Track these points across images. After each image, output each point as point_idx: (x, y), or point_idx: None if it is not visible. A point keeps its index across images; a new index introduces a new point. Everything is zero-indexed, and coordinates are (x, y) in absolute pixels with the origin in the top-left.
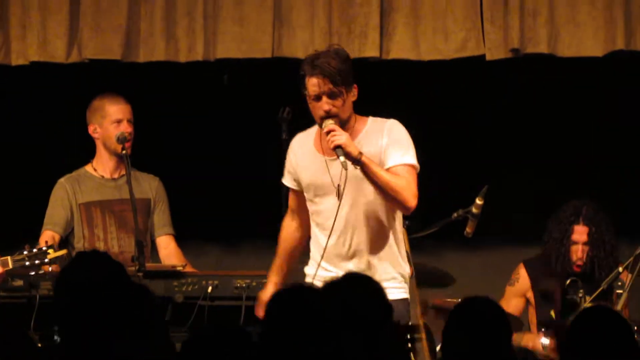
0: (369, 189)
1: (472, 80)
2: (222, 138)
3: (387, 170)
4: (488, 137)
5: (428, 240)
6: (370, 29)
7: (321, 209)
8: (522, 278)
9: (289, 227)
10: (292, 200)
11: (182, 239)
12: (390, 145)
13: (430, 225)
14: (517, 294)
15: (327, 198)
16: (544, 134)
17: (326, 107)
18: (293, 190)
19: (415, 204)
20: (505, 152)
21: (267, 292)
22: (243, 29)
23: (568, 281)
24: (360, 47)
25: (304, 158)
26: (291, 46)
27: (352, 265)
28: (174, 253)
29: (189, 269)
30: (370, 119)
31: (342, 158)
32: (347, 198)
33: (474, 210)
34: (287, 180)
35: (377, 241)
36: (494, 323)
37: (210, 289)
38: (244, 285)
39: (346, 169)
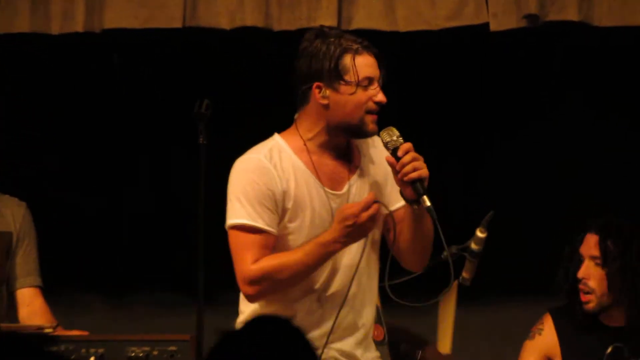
0: (376, 238)
1: (471, 61)
2: (112, 144)
3: (398, 210)
4: (492, 143)
5: (407, 289)
6: None
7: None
8: (548, 330)
9: None
10: (265, 249)
11: (54, 290)
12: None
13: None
14: (538, 351)
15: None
16: (575, 136)
17: (382, 97)
18: (269, 235)
19: None
20: (518, 163)
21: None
22: None
23: (610, 349)
24: (310, 13)
25: (298, 188)
26: (210, 12)
27: (349, 344)
28: (39, 312)
29: (61, 331)
30: None
31: (427, 201)
32: (359, 249)
33: (473, 246)
34: (262, 221)
35: (372, 310)
36: None
37: (93, 359)
38: (140, 354)
39: (434, 218)
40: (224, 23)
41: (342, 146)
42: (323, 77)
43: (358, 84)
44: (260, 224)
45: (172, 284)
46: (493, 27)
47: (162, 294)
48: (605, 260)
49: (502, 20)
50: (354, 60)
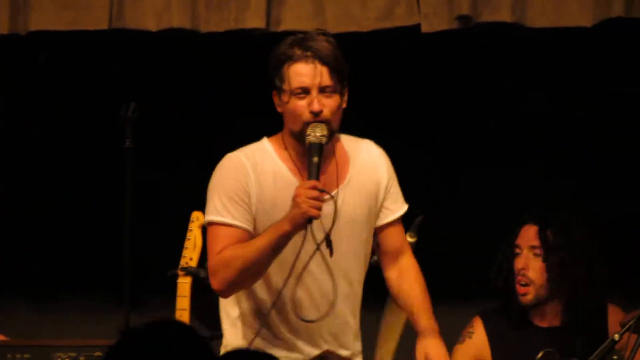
0: (360, 235)
1: (402, 61)
2: (37, 147)
3: (385, 226)
4: (423, 142)
5: None
6: None
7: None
8: (478, 333)
9: None
10: (234, 243)
11: None
12: (393, 187)
13: None
14: (469, 354)
15: (299, 246)
16: (538, 135)
17: (316, 105)
18: (238, 229)
19: None
20: (452, 164)
21: None
22: None
23: (541, 354)
24: (238, 15)
25: (277, 190)
26: (137, 13)
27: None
28: None
29: None
30: (342, 137)
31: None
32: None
33: None
34: (229, 216)
35: (354, 317)
36: None
37: None
38: None
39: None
40: (151, 24)
41: (326, 153)
42: (273, 85)
43: (291, 93)
44: (228, 218)
45: (98, 289)
46: (425, 28)
47: (88, 298)
48: (545, 250)
49: (434, 21)
50: (288, 68)
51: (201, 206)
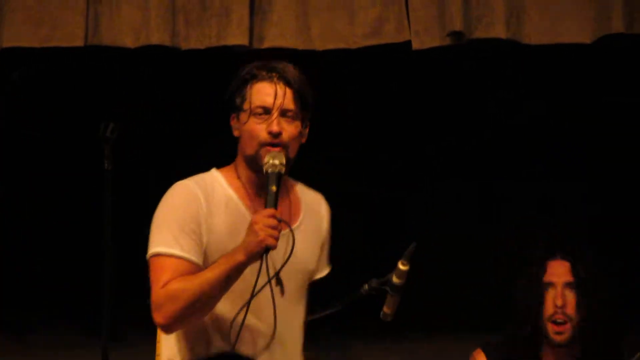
0: (304, 279)
1: (394, 71)
2: (10, 169)
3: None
4: (416, 153)
5: (326, 325)
6: (235, 3)
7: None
8: None
9: None
10: (180, 275)
11: None
12: (327, 247)
13: (329, 302)
14: None
15: (254, 280)
16: (506, 156)
17: (276, 127)
18: (186, 262)
19: None
20: (445, 174)
21: None
22: (42, 6)
23: None
24: (221, 31)
25: (226, 222)
26: (114, 30)
27: None
28: None
29: None
30: (295, 183)
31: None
32: (280, 296)
33: (395, 280)
34: (179, 248)
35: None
36: None
37: None
38: None
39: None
40: (128, 41)
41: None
42: (232, 106)
43: (250, 113)
44: (176, 250)
45: (75, 323)
46: (415, 45)
47: (64, 333)
48: (577, 285)
49: (425, 38)
50: (251, 87)
51: None
